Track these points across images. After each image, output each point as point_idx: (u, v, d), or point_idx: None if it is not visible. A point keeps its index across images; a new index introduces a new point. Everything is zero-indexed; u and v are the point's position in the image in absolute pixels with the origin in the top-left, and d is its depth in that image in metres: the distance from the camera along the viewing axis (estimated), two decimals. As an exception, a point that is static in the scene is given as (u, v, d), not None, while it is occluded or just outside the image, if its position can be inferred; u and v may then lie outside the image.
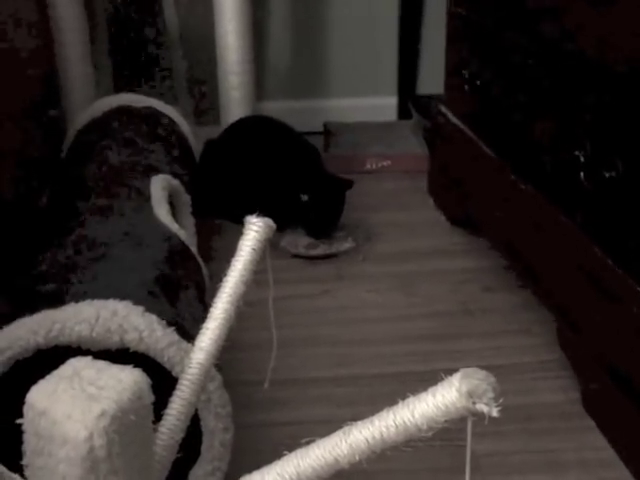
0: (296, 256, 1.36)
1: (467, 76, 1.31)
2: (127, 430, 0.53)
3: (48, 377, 0.54)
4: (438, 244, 1.42)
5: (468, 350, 1.11)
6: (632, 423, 0.84)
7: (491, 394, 0.45)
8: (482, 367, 1.08)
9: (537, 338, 1.12)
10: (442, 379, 0.46)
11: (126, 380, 0.54)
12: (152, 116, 1.41)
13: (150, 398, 0.55)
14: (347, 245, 1.38)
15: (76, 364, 0.55)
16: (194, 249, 1.09)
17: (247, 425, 0.93)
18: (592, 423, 0.93)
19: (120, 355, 0.72)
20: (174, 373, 0.71)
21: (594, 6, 0.89)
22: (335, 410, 0.98)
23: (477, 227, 1.35)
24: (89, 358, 0.56)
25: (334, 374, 1.06)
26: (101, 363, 0.56)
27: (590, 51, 0.90)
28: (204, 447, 0.75)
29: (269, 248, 0.74)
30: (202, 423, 0.74)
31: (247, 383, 1.00)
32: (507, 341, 1.12)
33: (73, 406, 0.51)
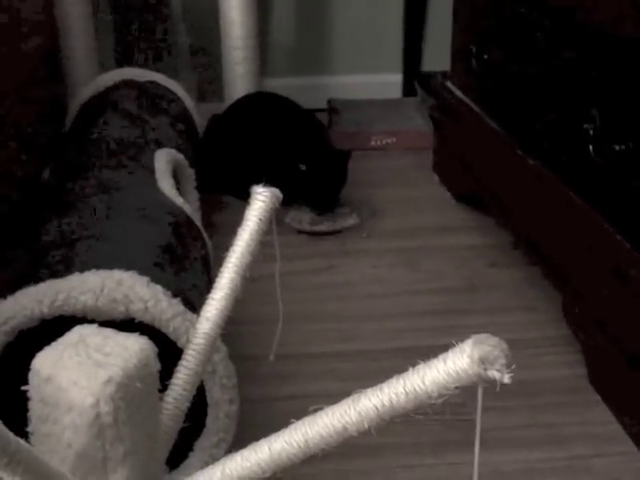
0: (300, 232, 1.36)
1: (474, 50, 1.29)
2: (133, 397, 0.52)
3: (54, 344, 0.54)
4: (443, 220, 1.41)
5: (473, 325, 1.10)
6: (638, 396, 0.84)
7: (503, 360, 0.44)
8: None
9: (542, 314, 1.11)
10: (450, 349, 0.46)
11: (132, 347, 0.54)
12: (155, 90, 1.40)
13: (156, 366, 0.55)
14: (351, 221, 1.38)
15: (82, 331, 0.55)
16: (199, 223, 1.08)
17: (252, 399, 0.93)
18: (597, 397, 0.93)
19: (125, 326, 0.72)
20: (179, 344, 0.71)
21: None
22: (339, 384, 0.98)
23: (483, 203, 1.34)
24: (95, 325, 0.56)
25: (338, 349, 1.06)
26: (107, 330, 0.55)
27: (599, 22, 0.89)
28: (209, 418, 0.75)
29: (275, 220, 0.73)
30: (207, 394, 0.74)
31: (252, 357, 1.00)
32: (512, 317, 1.12)
33: (79, 372, 0.51)
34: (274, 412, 0.92)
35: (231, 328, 1.05)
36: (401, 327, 1.10)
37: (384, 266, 1.27)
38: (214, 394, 0.74)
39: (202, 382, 0.73)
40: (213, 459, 0.71)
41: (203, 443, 0.74)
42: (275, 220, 1.39)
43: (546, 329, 1.08)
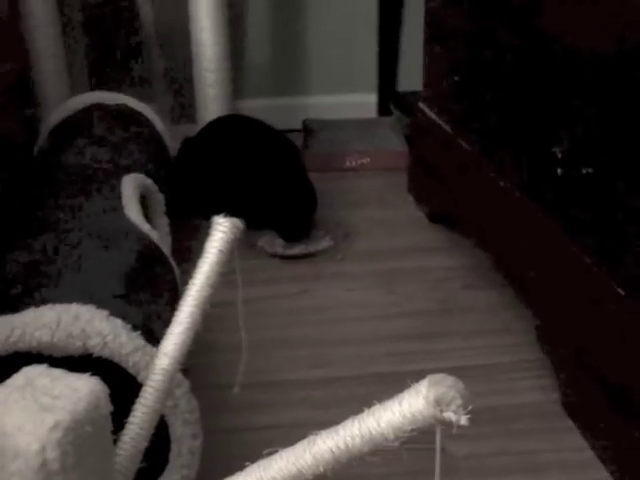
0: (274, 256, 1.34)
1: (445, 72, 1.29)
2: (83, 441, 0.50)
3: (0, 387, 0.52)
4: (418, 242, 1.40)
5: (448, 349, 1.09)
6: (611, 424, 0.83)
7: (459, 401, 0.43)
8: (462, 367, 1.07)
9: (517, 337, 1.10)
10: (410, 385, 0.44)
11: (82, 389, 0.52)
12: (126, 114, 1.38)
13: (108, 408, 0.53)
14: (325, 244, 1.36)
15: (29, 373, 0.53)
16: (167, 250, 1.06)
17: (220, 430, 0.91)
18: (571, 424, 0.92)
19: (85, 361, 0.70)
20: (140, 379, 0.69)
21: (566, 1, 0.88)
22: (312, 413, 0.96)
23: (457, 225, 1.34)
24: (44, 366, 0.54)
25: (311, 376, 1.04)
26: (57, 371, 0.53)
27: (567, 45, 0.89)
28: (172, 454, 0.73)
29: (237, 249, 0.71)
30: (170, 430, 0.72)
31: (222, 386, 0.97)
32: (487, 340, 1.11)
33: (25, 418, 0.49)
34: (244, 443, 0.90)
35: (201, 356, 1.04)
36: (375, 352, 1.09)
37: (358, 289, 1.25)
38: (176, 429, 0.72)
39: (164, 417, 0.72)
40: (176, 497, 0.69)
41: (166, 480, 0.72)
42: (247, 244, 1.38)
43: (521, 352, 1.07)
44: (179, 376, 0.71)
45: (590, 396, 0.87)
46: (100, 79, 1.79)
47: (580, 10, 0.86)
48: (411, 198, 1.54)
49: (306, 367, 1.06)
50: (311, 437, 0.47)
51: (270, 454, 0.49)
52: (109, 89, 1.55)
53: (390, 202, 1.56)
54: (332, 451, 0.45)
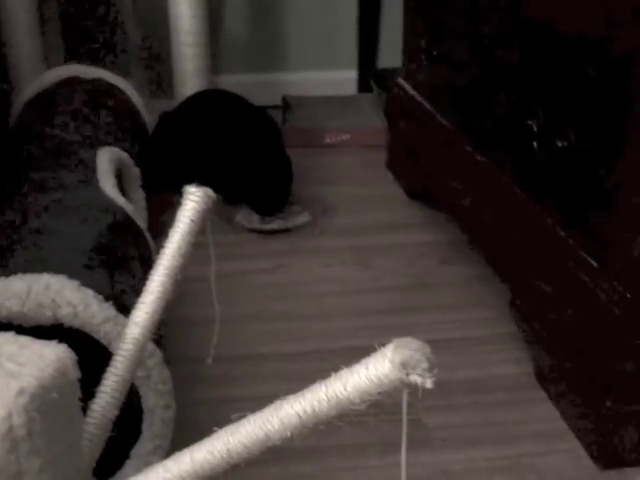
0: (251, 231, 1.34)
1: (424, 46, 1.29)
2: (49, 408, 0.50)
3: (-35, 354, 0.51)
4: (396, 218, 1.40)
5: (423, 323, 1.10)
6: (583, 395, 0.84)
7: (425, 365, 0.43)
8: (437, 340, 1.07)
9: (492, 311, 1.11)
10: (372, 354, 0.44)
11: (49, 356, 0.51)
12: (102, 87, 1.37)
13: (75, 374, 0.53)
14: (303, 219, 1.36)
15: (-4, 340, 0.52)
16: (143, 223, 1.06)
17: (194, 402, 0.91)
18: (544, 395, 0.93)
19: (56, 331, 0.69)
20: (111, 349, 0.69)
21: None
22: (285, 386, 0.95)
23: (435, 201, 1.34)
24: (11, 334, 0.53)
25: (286, 350, 1.04)
26: (24, 339, 0.53)
27: (543, 19, 0.89)
28: (145, 425, 0.72)
29: (210, 220, 0.71)
30: (142, 400, 0.72)
31: (195, 359, 0.97)
32: (462, 314, 1.11)
33: (-10, 384, 0.48)
34: (217, 415, 0.90)
35: (177, 330, 1.03)
36: (351, 326, 1.09)
37: (336, 264, 1.26)
38: (149, 400, 0.72)
39: (137, 388, 0.72)
40: (149, 466, 0.69)
41: (139, 450, 0.72)
42: (226, 219, 1.37)
43: (496, 326, 1.08)
44: (152, 347, 0.71)
45: (563, 368, 0.87)
46: (76, 52, 1.76)
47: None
48: (390, 175, 1.54)
49: (281, 341, 1.06)
50: (278, 402, 0.47)
51: (239, 419, 0.49)
52: (84, 63, 1.53)
53: (369, 179, 1.56)
54: (299, 415, 0.45)
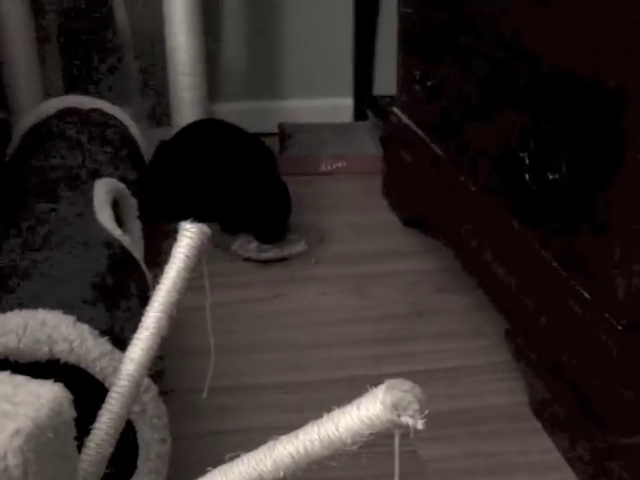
0: (248, 259, 1.35)
1: (418, 77, 1.30)
2: (45, 448, 0.50)
3: (-39, 394, 0.51)
4: (391, 246, 1.41)
5: (419, 353, 1.10)
6: (578, 426, 0.84)
7: (416, 406, 0.43)
8: (432, 370, 1.07)
9: (488, 340, 1.11)
10: (364, 395, 0.45)
11: (45, 396, 0.52)
12: (99, 118, 1.38)
13: (71, 414, 0.53)
14: (299, 248, 1.37)
15: (-8, 380, 0.52)
16: (139, 254, 1.06)
17: (191, 434, 0.91)
18: (539, 426, 0.93)
19: (52, 367, 0.70)
20: (107, 385, 0.69)
21: (535, 6, 0.89)
22: (283, 417, 0.97)
23: (430, 229, 1.35)
24: (7, 373, 0.54)
25: (283, 380, 1.04)
26: (19, 378, 0.53)
27: (535, 52, 0.90)
28: (140, 459, 0.73)
29: (206, 254, 0.72)
30: (138, 435, 0.72)
31: (192, 391, 0.98)
32: (458, 343, 1.12)
33: (-14, 425, 0.49)
34: (215, 448, 0.90)
35: (174, 361, 1.03)
36: (348, 356, 1.10)
37: (332, 293, 1.26)
38: (144, 434, 0.72)
39: (132, 423, 0.72)
40: (144, 502, 0.69)
41: (134, 485, 0.72)
42: (222, 248, 1.37)
43: (491, 355, 1.08)
44: (147, 381, 0.71)
45: (558, 399, 0.88)
46: (74, 83, 1.78)
47: (545, 19, 0.87)
48: (385, 202, 1.55)
49: (278, 371, 1.06)
50: (271, 442, 0.48)
51: (232, 458, 0.49)
52: (83, 93, 1.55)
53: (365, 206, 1.57)
54: (292, 456, 0.46)
